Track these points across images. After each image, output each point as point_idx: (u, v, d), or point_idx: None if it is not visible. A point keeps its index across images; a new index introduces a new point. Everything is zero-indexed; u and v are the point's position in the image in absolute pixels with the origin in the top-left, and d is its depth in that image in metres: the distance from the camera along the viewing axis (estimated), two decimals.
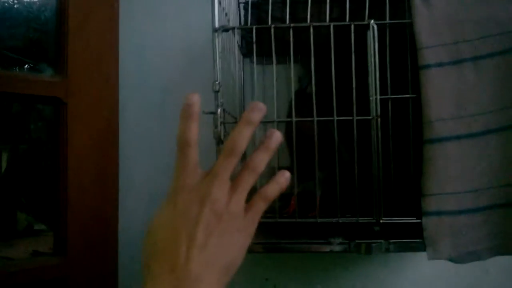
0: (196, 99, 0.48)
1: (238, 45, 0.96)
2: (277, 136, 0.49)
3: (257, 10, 0.88)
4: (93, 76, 0.83)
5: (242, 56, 1.01)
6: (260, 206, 0.49)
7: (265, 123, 0.77)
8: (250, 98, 1.00)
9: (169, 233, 0.45)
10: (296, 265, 1.01)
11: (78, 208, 0.81)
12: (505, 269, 0.97)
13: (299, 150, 0.73)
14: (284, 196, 0.73)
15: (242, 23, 0.98)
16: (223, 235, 0.45)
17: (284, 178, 0.50)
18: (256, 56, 0.78)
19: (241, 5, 0.96)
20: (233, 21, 0.86)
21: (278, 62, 0.76)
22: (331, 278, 1.01)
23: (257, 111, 0.48)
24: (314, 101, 0.70)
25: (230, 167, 0.47)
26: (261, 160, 0.48)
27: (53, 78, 0.78)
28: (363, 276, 1.01)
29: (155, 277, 0.43)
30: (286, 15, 0.82)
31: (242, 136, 0.47)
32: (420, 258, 0.98)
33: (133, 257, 0.98)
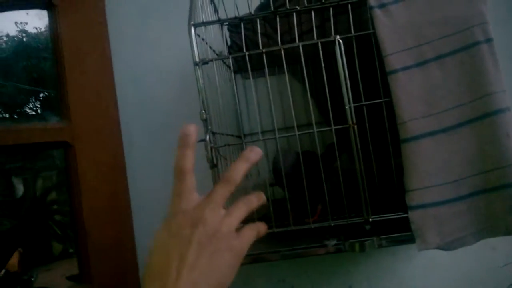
0: (192, 130, 0.53)
1: (228, 66, 1.02)
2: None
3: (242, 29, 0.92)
4: (95, 115, 0.90)
5: (233, 73, 1.06)
6: (252, 230, 0.54)
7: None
8: (245, 110, 1.05)
9: (163, 254, 0.48)
10: (311, 267, 1.06)
11: (96, 237, 0.89)
12: (510, 245, 1.00)
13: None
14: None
15: (228, 42, 1.03)
16: (213, 255, 0.48)
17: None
18: (243, 71, 0.82)
19: (225, 27, 1.01)
20: (217, 42, 0.91)
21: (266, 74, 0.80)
22: (343, 275, 1.06)
23: (255, 153, 0.54)
24: (293, 115, 0.74)
25: (224, 193, 0.52)
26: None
27: (59, 124, 0.85)
28: (374, 269, 1.05)
29: None
30: (268, 29, 0.87)
31: (239, 170, 0.53)
32: None
33: None
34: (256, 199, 0.55)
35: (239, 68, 1.07)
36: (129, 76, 1.10)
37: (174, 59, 1.12)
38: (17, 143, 0.77)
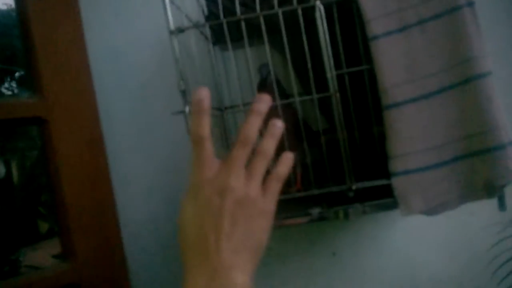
0: (205, 94, 0.50)
1: (205, 37, 0.99)
2: (280, 124, 0.53)
3: None
4: (69, 91, 0.86)
5: (212, 45, 1.04)
6: (276, 187, 0.52)
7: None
8: (224, 83, 1.03)
9: (196, 227, 0.48)
10: (295, 235, 1.07)
11: (77, 213, 0.87)
12: (488, 210, 1.01)
13: None
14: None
15: (206, 13, 1.00)
16: (247, 221, 0.48)
17: (289, 158, 0.54)
18: (222, 43, 0.79)
19: None
20: (194, 11, 0.88)
21: (249, 45, 0.78)
22: (327, 243, 1.07)
23: (264, 102, 0.52)
24: (275, 86, 0.73)
25: (244, 156, 0.51)
26: (270, 145, 0.52)
27: (31, 99, 0.82)
28: (356, 236, 1.07)
29: (191, 268, 0.47)
30: None
31: (253, 126, 0.51)
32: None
33: (139, 247, 1.05)
34: (270, 148, 0.53)
35: (217, 39, 1.04)
36: (105, 48, 1.07)
37: (150, 30, 1.08)
38: None
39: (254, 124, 0.51)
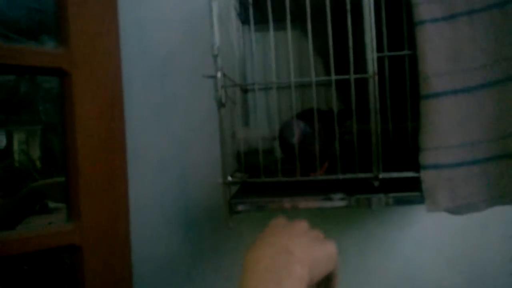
0: None
1: (237, 12, 0.96)
2: None
3: None
4: (95, 47, 0.84)
5: (241, 24, 1.02)
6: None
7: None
8: (251, 65, 1.01)
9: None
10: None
11: (88, 176, 0.84)
12: (502, 223, 0.99)
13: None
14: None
15: None
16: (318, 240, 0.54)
17: None
18: (256, 23, 0.78)
19: None
20: None
21: (277, 29, 0.76)
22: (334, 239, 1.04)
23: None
24: (312, 63, 0.71)
25: None
26: None
27: (56, 50, 0.79)
28: (364, 235, 1.04)
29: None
30: None
31: None
32: (419, 216, 1.01)
33: (144, 222, 1.03)
34: None
35: (247, 18, 1.02)
36: (133, 17, 1.05)
37: (180, 4, 1.07)
38: (8, 63, 0.71)
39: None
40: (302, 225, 0.56)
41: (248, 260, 0.48)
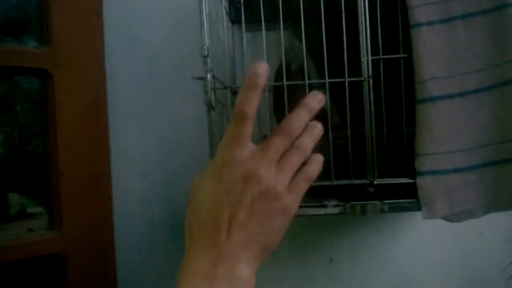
0: (263, 70, 0.46)
1: (226, 12, 0.94)
2: (319, 127, 0.49)
3: None
4: (79, 46, 0.81)
5: (231, 24, 0.99)
6: (303, 186, 0.49)
7: None
8: (240, 66, 0.98)
9: (212, 207, 0.45)
10: (294, 236, 1.02)
11: (71, 181, 0.81)
12: (498, 230, 0.98)
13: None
14: None
15: None
16: (266, 215, 0.45)
17: (320, 160, 0.50)
18: (246, 23, 0.76)
19: None
20: None
21: (268, 29, 0.74)
22: (326, 248, 1.02)
23: (318, 100, 0.49)
24: (305, 64, 0.68)
25: (282, 147, 0.47)
26: (309, 144, 0.48)
27: (38, 49, 0.76)
28: (357, 244, 1.02)
29: (198, 248, 0.45)
30: None
31: (300, 120, 0.48)
32: (414, 223, 0.99)
33: (129, 228, 0.99)
34: (310, 144, 0.49)
35: (237, 18, 1.00)
36: (119, 15, 1.02)
37: (167, 3, 1.04)
38: None
39: (302, 118, 0.48)
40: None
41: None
